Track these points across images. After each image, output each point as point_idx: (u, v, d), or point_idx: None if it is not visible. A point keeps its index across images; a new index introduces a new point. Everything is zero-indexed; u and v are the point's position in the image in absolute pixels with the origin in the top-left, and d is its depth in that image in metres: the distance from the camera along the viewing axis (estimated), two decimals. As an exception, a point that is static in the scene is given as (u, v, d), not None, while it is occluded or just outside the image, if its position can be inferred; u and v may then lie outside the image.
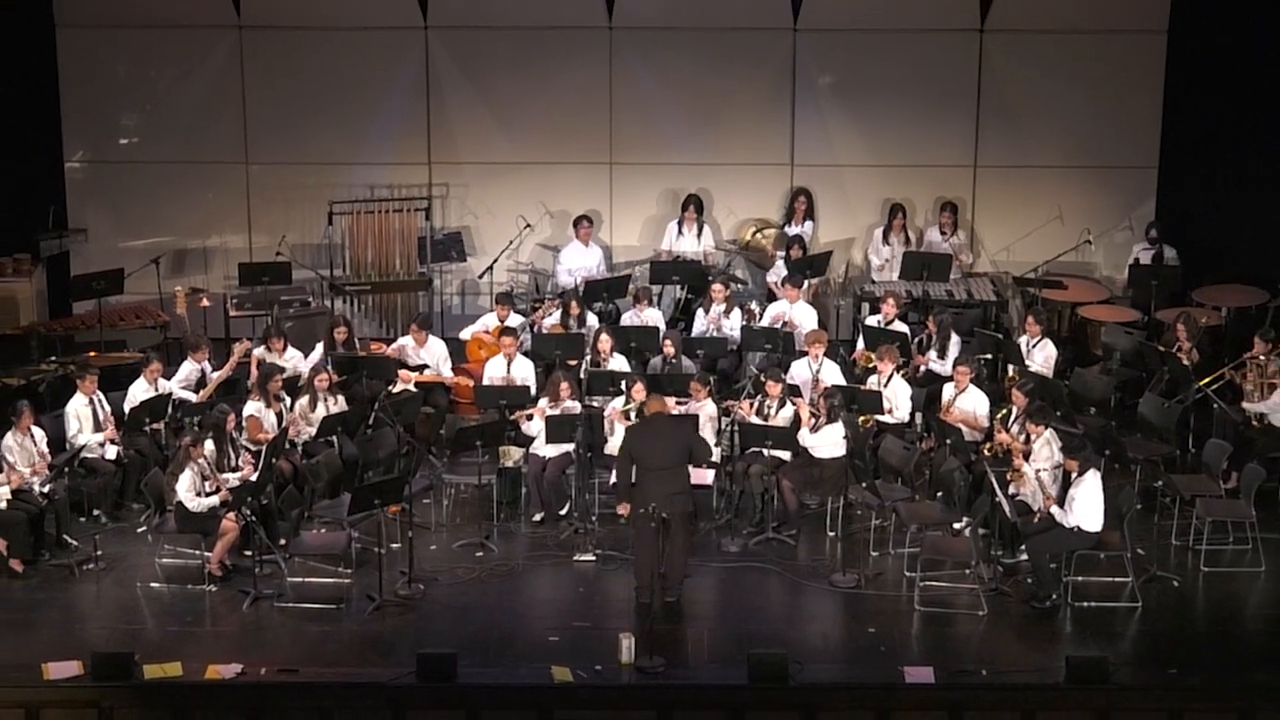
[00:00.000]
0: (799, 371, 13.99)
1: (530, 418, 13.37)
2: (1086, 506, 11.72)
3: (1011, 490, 12.24)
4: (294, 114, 17.00)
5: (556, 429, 13.07)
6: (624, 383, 13.56)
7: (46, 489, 12.57)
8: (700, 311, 15.47)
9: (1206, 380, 13.95)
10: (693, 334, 15.24)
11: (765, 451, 13.05)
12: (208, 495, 12.17)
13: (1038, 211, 17.01)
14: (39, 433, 12.82)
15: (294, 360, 14.44)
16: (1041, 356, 14.45)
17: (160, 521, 12.54)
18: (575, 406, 13.35)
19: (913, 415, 13.87)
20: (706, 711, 10.81)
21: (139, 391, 13.71)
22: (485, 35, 16.88)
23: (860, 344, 14.87)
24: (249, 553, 12.16)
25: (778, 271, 16.19)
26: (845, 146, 17.16)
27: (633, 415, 12.83)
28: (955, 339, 14.64)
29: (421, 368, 14.65)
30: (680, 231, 16.66)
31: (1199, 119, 16.77)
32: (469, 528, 13.13)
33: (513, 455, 13.46)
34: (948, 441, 13.10)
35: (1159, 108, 16.88)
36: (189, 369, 14.22)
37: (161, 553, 12.39)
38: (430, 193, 17.08)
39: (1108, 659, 10.90)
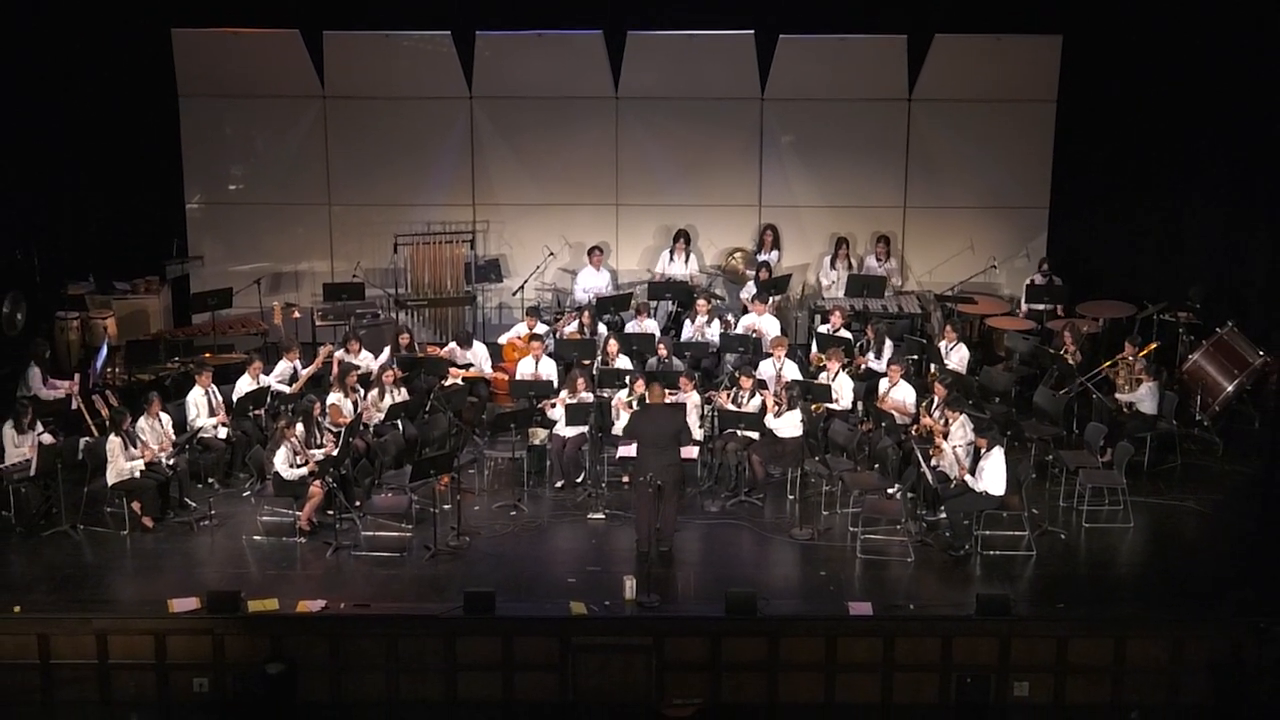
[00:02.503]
0: (766, 369, 13.97)
1: (553, 406, 13.37)
2: (993, 475, 11.73)
3: (934, 462, 12.23)
4: (367, 165, 16.97)
5: (574, 414, 13.07)
6: (627, 378, 13.56)
7: (171, 462, 12.58)
8: (687, 321, 15.45)
9: (1087, 376, 13.97)
10: (681, 339, 15.21)
11: (739, 432, 13.04)
12: (299, 467, 12.17)
13: (954, 242, 16.99)
14: (165, 417, 12.84)
15: (367, 360, 14.42)
16: (957, 357, 14.44)
17: (261, 487, 12.59)
18: (589, 397, 13.34)
19: (855, 403, 13.85)
20: (692, 638, 10.82)
21: (244, 384, 13.72)
22: (517, 103, 16.85)
23: (814, 347, 14.86)
24: (331, 512, 12.17)
25: (749, 290, 16.17)
26: (802, 190, 17.12)
27: (634, 404, 12.83)
28: (889, 343, 14.63)
29: (467, 366, 14.64)
30: (672, 258, 16.62)
31: (1081, 169, 16.76)
32: (505, 492, 13.11)
33: (539, 435, 13.45)
34: (883, 424, 13.12)
35: (1049, 160, 16.83)
36: (284, 367, 14.21)
37: (262, 512, 12.41)
38: (474, 227, 17.04)
39: (1009, 596, 10.92)
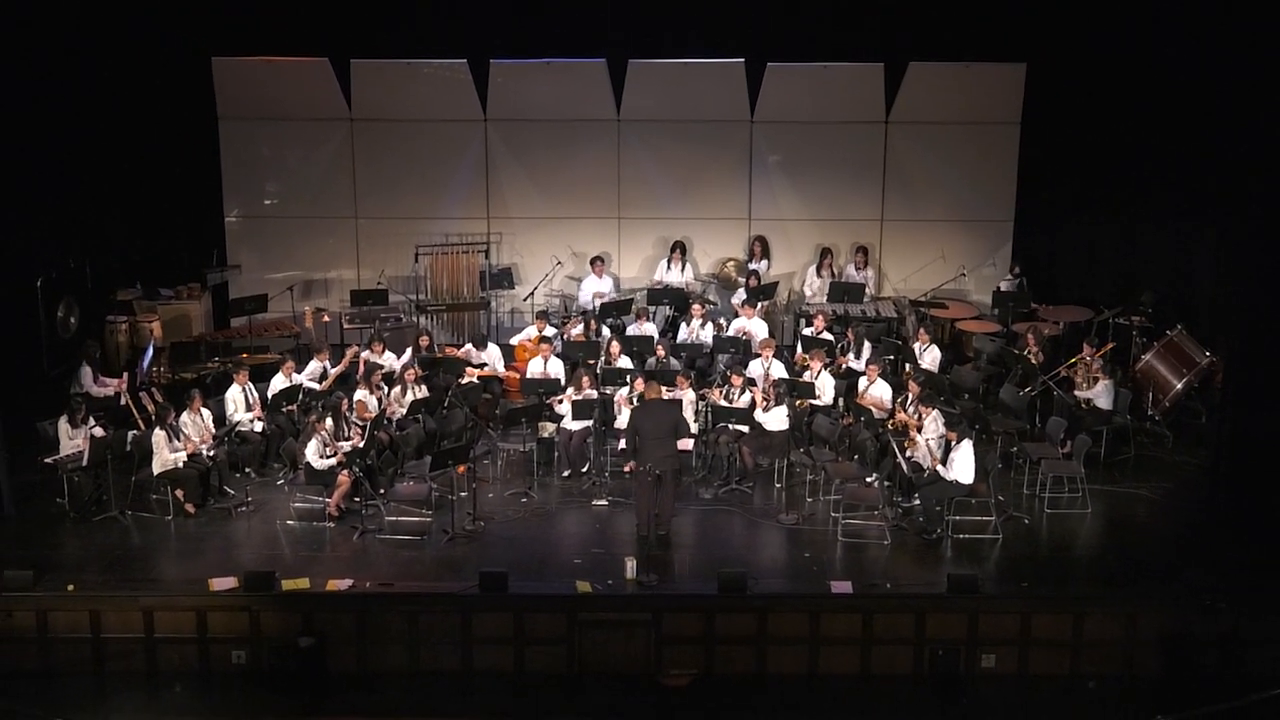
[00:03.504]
0: (755, 368, 13.96)
1: (561, 402, 13.38)
2: (962, 465, 11.73)
3: (908, 453, 12.24)
4: (390, 182, 16.98)
5: (580, 410, 13.07)
6: (628, 376, 13.55)
7: (212, 453, 12.58)
8: (683, 325, 15.45)
9: (1049, 375, 13.97)
10: (678, 341, 15.21)
11: (730, 426, 13.04)
12: (328, 457, 12.17)
13: (927, 253, 17.00)
14: (206, 412, 12.85)
15: (390, 360, 14.41)
16: (930, 358, 14.45)
17: (294, 476, 12.60)
18: (593, 394, 13.33)
19: (836, 400, 13.85)
20: (688, 614, 10.82)
21: (278, 382, 13.71)
22: (528, 125, 16.86)
23: (799, 348, 14.87)
24: (358, 499, 12.19)
25: (740, 296, 16.15)
26: (788, 205, 17.12)
27: (635, 400, 12.83)
28: (867, 345, 14.63)
29: (482, 365, 14.65)
30: (669, 267, 16.63)
31: (1043, 185, 16.76)
32: (516, 481, 13.12)
33: (548, 429, 13.45)
34: (862, 419, 13.12)
35: (1014, 177, 16.85)
36: (314, 366, 14.21)
37: (294, 499, 12.42)
38: (488, 239, 17.04)
39: (977, 576, 10.93)
